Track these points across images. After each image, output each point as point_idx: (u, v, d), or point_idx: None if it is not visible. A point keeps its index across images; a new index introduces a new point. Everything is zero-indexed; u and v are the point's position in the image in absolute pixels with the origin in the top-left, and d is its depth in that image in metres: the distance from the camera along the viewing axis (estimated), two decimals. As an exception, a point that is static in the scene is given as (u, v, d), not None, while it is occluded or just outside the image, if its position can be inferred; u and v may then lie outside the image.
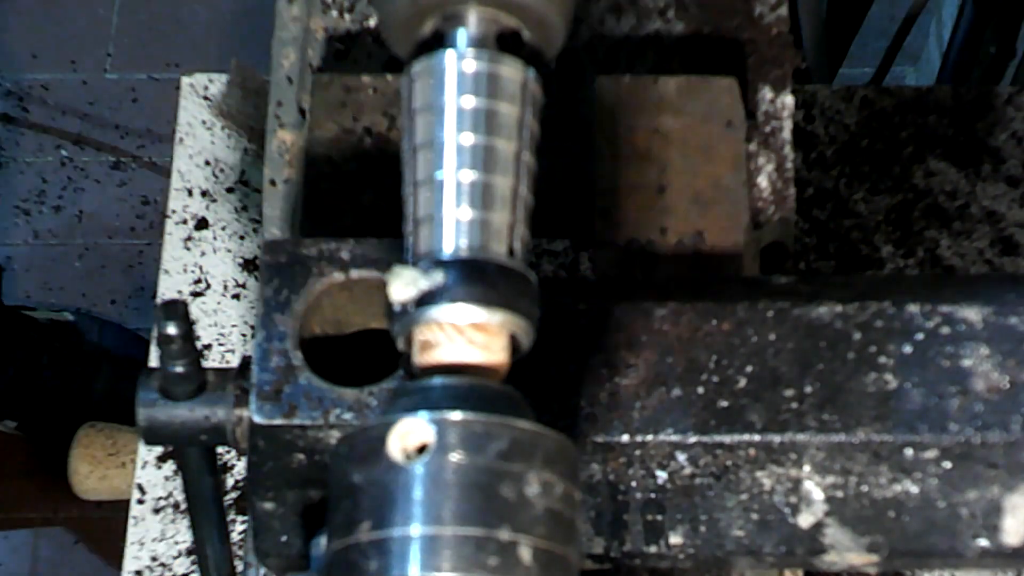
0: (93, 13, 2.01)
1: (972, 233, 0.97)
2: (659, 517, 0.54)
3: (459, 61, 0.41)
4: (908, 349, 0.54)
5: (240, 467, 0.94)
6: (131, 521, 0.94)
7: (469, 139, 0.40)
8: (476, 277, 0.40)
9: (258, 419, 0.52)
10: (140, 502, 0.95)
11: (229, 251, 1.02)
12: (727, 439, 0.53)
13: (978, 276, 0.91)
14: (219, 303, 1.00)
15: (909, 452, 0.53)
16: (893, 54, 1.30)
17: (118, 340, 1.70)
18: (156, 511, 0.94)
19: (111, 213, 1.89)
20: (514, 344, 0.41)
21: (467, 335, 0.40)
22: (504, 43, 0.41)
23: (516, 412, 0.39)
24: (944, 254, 0.97)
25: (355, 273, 0.53)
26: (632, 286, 0.58)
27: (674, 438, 0.53)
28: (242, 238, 1.02)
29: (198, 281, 1.01)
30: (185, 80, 1.08)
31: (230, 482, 0.95)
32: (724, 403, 0.53)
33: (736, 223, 0.64)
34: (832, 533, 0.54)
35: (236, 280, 1.01)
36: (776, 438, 0.53)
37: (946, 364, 0.54)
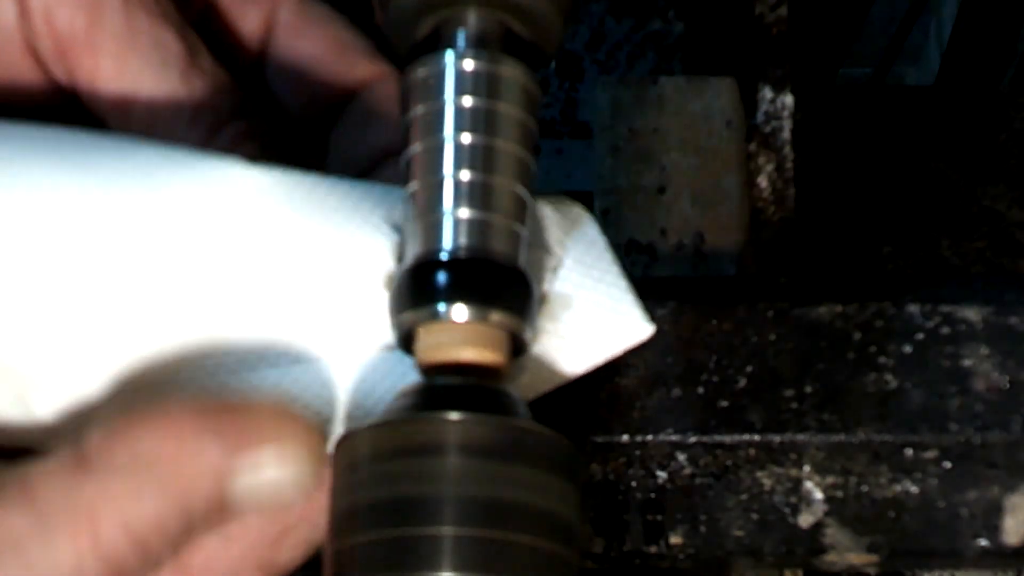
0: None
1: (972, 233, 0.97)
2: (659, 517, 0.54)
3: (458, 61, 0.41)
4: (908, 349, 0.54)
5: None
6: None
7: (468, 139, 0.40)
8: (476, 277, 0.40)
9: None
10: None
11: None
12: (727, 439, 0.53)
13: (978, 276, 0.91)
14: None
15: (909, 452, 0.53)
16: (893, 54, 1.30)
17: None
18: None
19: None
20: (514, 344, 0.41)
21: (467, 335, 0.40)
22: (503, 43, 0.42)
23: (516, 412, 0.39)
24: (944, 254, 0.97)
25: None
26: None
27: (674, 438, 0.53)
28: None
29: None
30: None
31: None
32: (724, 403, 0.54)
33: (736, 223, 0.64)
34: (832, 533, 0.54)
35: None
36: (776, 438, 0.53)
37: (946, 364, 0.54)
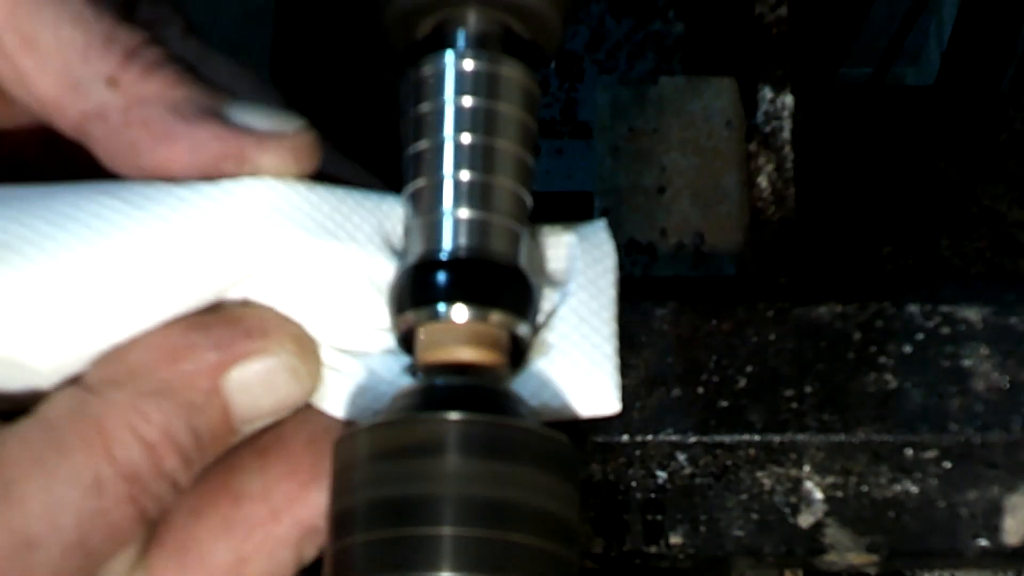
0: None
1: (972, 233, 0.97)
2: (659, 517, 0.54)
3: (458, 61, 0.41)
4: (908, 349, 0.54)
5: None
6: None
7: (468, 139, 0.40)
8: (476, 277, 0.40)
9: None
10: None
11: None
12: (727, 439, 0.53)
13: (978, 276, 0.91)
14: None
15: (909, 452, 0.53)
16: (893, 54, 1.30)
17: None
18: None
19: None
20: (514, 344, 0.41)
21: (467, 335, 0.40)
22: (503, 43, 0.42)
23: (515, 412, 0.39)
24: (944, 254, 0.97)
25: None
26: (632, 286, 0.58)
27: (674, 438, 0.53)
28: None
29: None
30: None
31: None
32: (724, 403, 0.54)
33: (736, 223, 0.64)
34: (832, 533, 0.54)
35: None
36: (776, 438, 0.53)
37: (946, 364, 0.54)
